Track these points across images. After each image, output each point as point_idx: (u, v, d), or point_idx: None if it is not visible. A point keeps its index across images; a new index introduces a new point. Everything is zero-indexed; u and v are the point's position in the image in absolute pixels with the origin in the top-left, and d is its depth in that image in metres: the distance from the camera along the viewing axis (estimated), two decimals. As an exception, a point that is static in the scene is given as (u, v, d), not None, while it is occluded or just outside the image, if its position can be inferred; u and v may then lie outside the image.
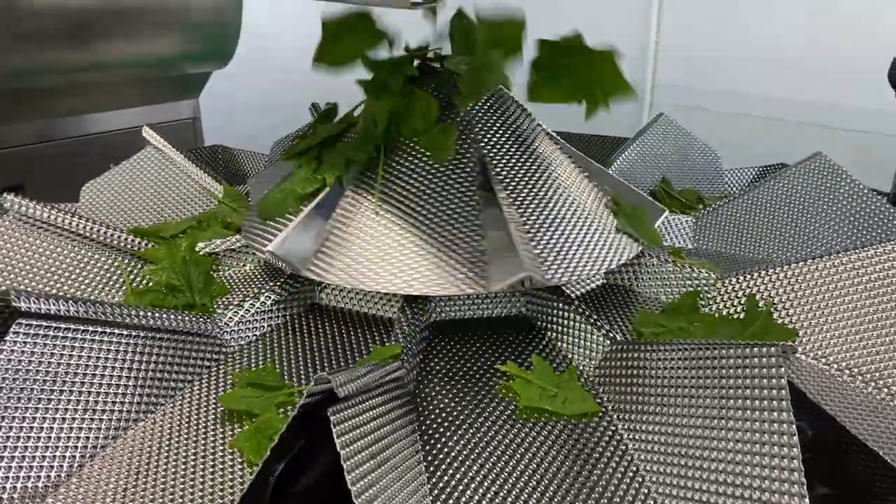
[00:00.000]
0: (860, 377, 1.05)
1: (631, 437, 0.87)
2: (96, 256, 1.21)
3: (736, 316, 1.13)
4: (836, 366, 1.07)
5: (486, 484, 0.82)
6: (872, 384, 1.05)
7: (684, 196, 1.66)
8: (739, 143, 2.97)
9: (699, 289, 1.17)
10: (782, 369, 0.74)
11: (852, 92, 2.69)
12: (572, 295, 1.17)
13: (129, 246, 1.23)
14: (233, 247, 1.29)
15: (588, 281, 1.23)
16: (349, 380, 0.74)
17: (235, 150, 2.01)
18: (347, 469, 0.68)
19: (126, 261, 1.23)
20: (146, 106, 2.60)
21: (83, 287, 1.17)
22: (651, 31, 3.50)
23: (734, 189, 1.77)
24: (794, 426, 0.71)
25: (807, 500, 0.68)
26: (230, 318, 1.08)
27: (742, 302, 1.14)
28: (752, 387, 0.75)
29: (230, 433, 0.92)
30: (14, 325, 0.86)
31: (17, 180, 2.16)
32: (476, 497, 0.80)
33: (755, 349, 0.76)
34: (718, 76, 3.27)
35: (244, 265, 1.30)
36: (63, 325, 0.90)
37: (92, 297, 1.16)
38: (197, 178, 1.55)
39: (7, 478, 0.82)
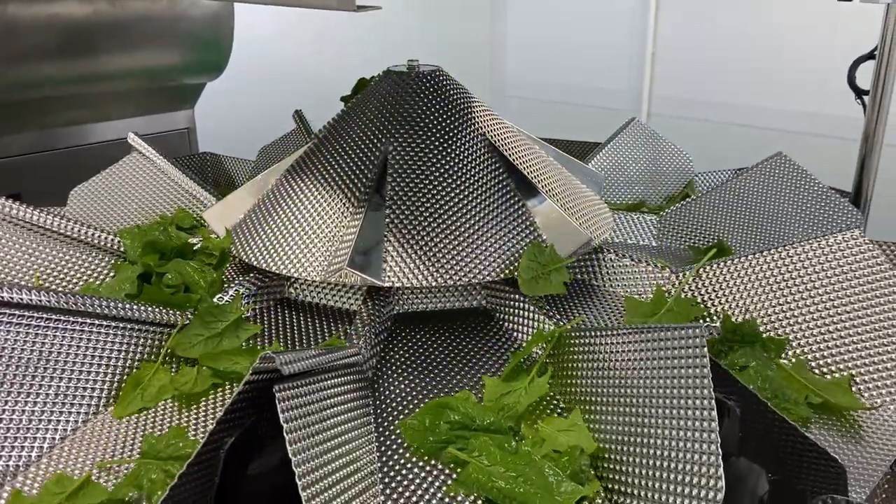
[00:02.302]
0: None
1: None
2: (77, 255, 1.26)
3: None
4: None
5: (433, 462, 0.86)
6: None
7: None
8: (732, 152, 3.01)
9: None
10: (705, 349, 0.78)
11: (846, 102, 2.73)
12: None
13: (109, 245, 1.28)
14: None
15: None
16: (294, 360, 0.79)
17: (223, 156, 2.06)
18: (290, 441, 0.73)
19: (106, 259, 1.28)
20: (142, 116, 2.66)
21: (64, 283, 1.22)
22: (647, 44, 3.55)
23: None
24: (713, 400, 0.75)
25: (720, 468, 0.71)
26: (200, 310, 1.13)
27: (697, 293, 1.18)
28: (677, 366, 0.79)
29: (201, 419, 0.97)
30: (-12, 314, 0.92)
31: (14, 190, 2.22)
32: (426, 477, 0.84)
33: (680, 331, 0.80)
34: (712, 87, 3.32)
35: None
36: (36, 314, 0.95)
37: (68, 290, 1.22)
38: (180, 181, 1.60)
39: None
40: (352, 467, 0.81)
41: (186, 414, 0.98)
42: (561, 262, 1.14)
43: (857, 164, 1.51)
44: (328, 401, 0.84)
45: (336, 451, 0.80)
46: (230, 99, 3.03)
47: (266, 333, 1.16)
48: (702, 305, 1.15)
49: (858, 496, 0.83)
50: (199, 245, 1.28)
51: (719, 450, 0.73)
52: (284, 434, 0.73)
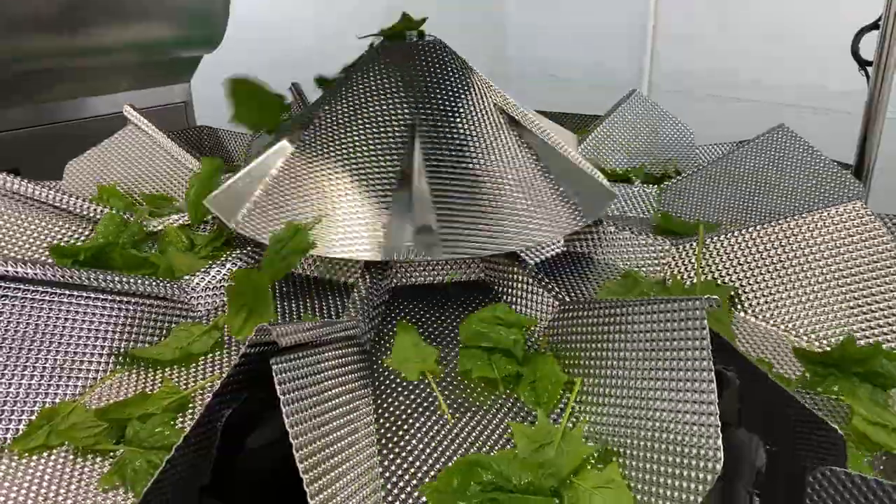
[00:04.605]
0: (804, 337, 1.09)
1: (578, 389, 0.91)
2: (66, 226, 1.25)
3: (688, 279, 1.17)
4: (782, 326, 1.11)
5: (431, 434, 0.86)
6: (817, 343, 1.08)
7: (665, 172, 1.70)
8: (734, 126, 2.99)
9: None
10: (705, 321, 0.77)
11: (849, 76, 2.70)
12: (531, 262, 1.21)
13: (100, 217, 1.27)
14: (205, 219, 1.33)
15: (547, 248, 1.26)
16: (292, 332, 0.78)
17: (220, 130, 2.05)
18: (287, 414, 0.72)
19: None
20: (138, 90, 2.63)
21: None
22: (649, 20, 3.52)
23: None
24: (712, 372, 0.75)
25: (719, 438, 0.71)
26: (197, 283, 1.12)
27: (693, 265, 1.17)
28: (676, 338, 0.79)
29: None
30: (-18, 287, 0.91)
31: (12, 164, 2.21)
32: (422, 446, 0.84)
33: (680, 303, 0.80)
34: (713, 62, 3.29)
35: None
36: (32, 287, 0.95)
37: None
38: (176, 154, 1.59)
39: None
40: (350, 439, 0.81)
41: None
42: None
43: (860, 135, 1.49)
44: (326, 373, 0.84)
45: (334, 424, 0.79)
46: (227, 72, 3.00)
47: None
48: (729, 285, 1.14)
49: (857, 467, 0.83)
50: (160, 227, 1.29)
51: (718, 421, 0.73)
52: (281, 407, 0.72)
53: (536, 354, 0.97)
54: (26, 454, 0.87)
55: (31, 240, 1.22)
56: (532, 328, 1.03)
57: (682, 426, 0.75)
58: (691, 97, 3.37)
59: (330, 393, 0.82)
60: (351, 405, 0.86)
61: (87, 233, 1.25)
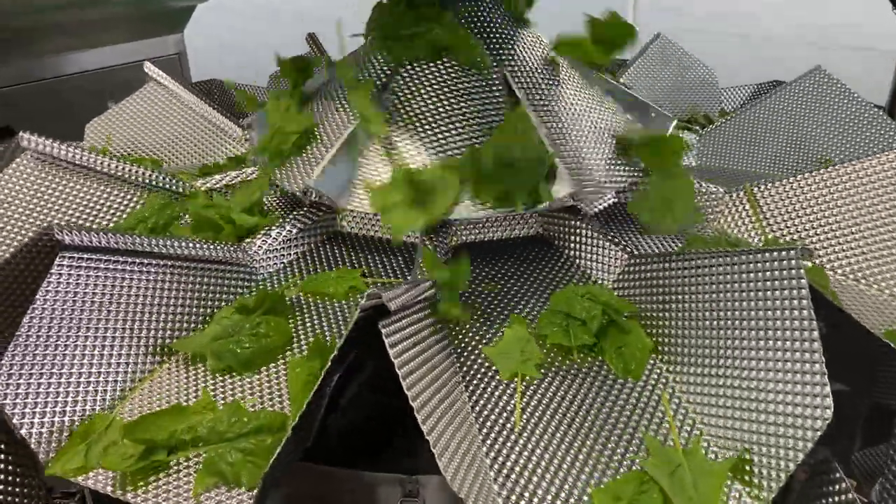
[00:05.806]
0: (863, 280, 1.11)
1: (657, 345, 0.93)
2: (108, 191, 1.22)
3: (742, 227, 1.18)
4: (839, 271, 1.13)
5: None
6: (875, 286, 1.11)
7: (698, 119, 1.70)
8: (733, 64, 2.98)
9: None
10: (801, 270, 0.78)
11: (848, 9, 2.68)
12: (588, 213, 1.21)
13: (145, 180, 1.24)
14: (248, 179, 1.30)
15: (601, 200, 1.26)
16: (396, 295, 0.78)
17: (230, 83, 1.99)
18: (402, 375, 0.73)
19: (141, 194, 1.24)
20: (131, 42, 2.55)
21: (105, 220, 1.19)
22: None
23: (731, 107, 1.80)
24: (815, 322, 0.76)
25: (827, 386, 0.73)
26: (259, 246, 1.11)
27: (748, 214, 1.18)
28: (773, 288, 0.80)
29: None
30: (58, 258, 0.89)
31: (2, 123, 2.14)
32: (503, 399, 0.86)
33: (774, 253, 0.81)
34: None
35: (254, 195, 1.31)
36: (104, 257, 0.93)
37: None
38: (203, 112, 1.55)
39: (66, 402, 0.86)
40: (451, 398, 0.82)
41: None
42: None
43: (894, 75, 1.50)
44: (422, 333, 0.84)
45: (437, 383, 0.80)
46: (222, 23, 2.91)
47: (319, 267, 1.14)
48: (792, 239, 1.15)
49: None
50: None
51: (825, 369, 0.74)
52: (397, 369, 0.73)
53: (615, 324, 0.95)
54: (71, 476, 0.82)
55: (75, 207, 1.19)
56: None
57: (788, 375, 0.76)
58: (687, 34, 3.34)
59: (428, 353, 0.83)
60: (443, 365, 0.86)
61: (134, 199, 1.22)
